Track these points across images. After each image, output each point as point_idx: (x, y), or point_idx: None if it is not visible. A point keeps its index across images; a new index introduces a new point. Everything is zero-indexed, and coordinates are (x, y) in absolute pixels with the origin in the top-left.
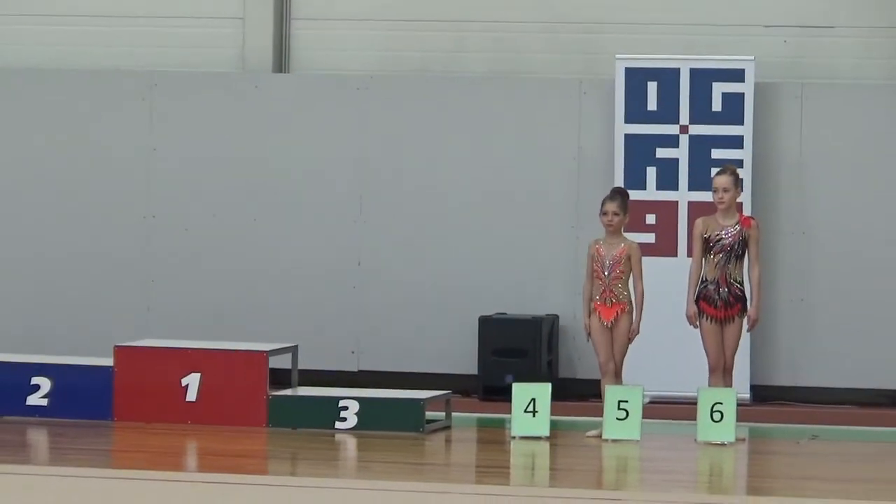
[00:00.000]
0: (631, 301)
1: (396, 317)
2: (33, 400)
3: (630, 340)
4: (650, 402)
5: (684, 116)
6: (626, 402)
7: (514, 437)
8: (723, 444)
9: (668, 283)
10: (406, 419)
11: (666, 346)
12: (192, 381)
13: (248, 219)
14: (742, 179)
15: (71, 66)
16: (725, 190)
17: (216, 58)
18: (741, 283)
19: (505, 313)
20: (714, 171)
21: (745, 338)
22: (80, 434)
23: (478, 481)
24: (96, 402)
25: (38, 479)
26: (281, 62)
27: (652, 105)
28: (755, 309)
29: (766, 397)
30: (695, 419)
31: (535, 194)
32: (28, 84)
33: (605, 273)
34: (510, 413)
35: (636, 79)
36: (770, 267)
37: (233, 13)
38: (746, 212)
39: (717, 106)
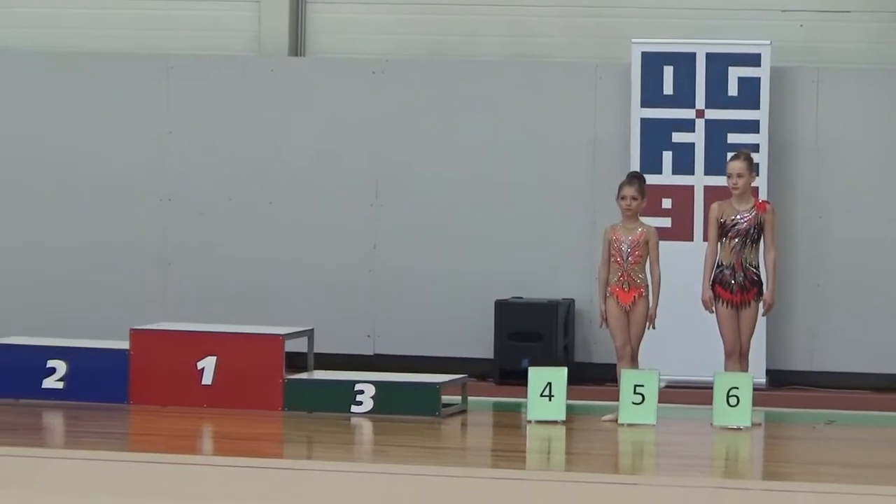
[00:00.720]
0: (648, 285)
1: (412, 300)
2: (49, 383)
3: (650, 325)
4: (666, 387)
5: (700, 101)
6: (642, 386)
7: (529, 422)
8: (739, 429)
9: (684, 267)
10: (422, 403)
11: (682, 330)
12: (208, 364)
13: (264, 202)
14: (757, 164)
15: (86, 49)
16: (739, 175)
17: (231, 41)
18: (757, 268)
19: (521, 297)
20: (730, 155)
21: (761, 322)
22: (96, 417)
23: (493, 465)
24: (112, 386)
25: (54, 463)
26: (296, 45)
27: (668, 89)
28: (771, 293)
29: (783, 382)
30: (711, 404)
31: (551, 178)
32: (43, 67)
33: (624, 258)
34: (526, 397)
35: (652, 63)
36: (786, 251)
37: None
38: (762, 196)
39: (733, 90)
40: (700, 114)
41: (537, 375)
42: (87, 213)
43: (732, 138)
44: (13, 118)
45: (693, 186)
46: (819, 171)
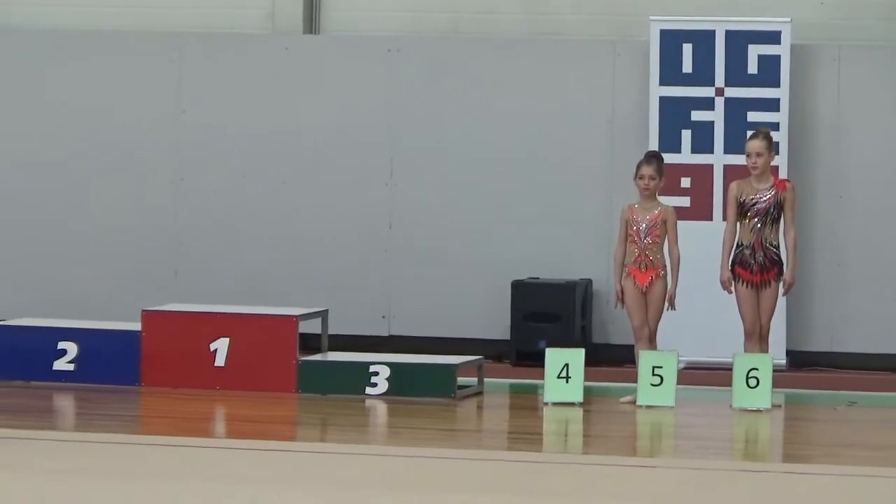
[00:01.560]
0: (665, 266)
1: (428, 281)
2: (60, 365)
3: (669, 306)
4: (685, 368)
5: (720, 79)
6: (661, 367)
7: (546, 404)
8: (758, 411)
9: (703, 247)
10: (437, 385)
11: (701, 311)
12: (221, 346)
13: (278, 181)
14: (777, 143)
15: (98, 27)
16: (759, 154)
17: (245, 19)
18: (777, 248)
19: (538, 278)
20: (749, 134)
21: (782, 303)
22: (107, 399)
23: (510, 448)
24: (123, 368)
25: (64, 446)
26: (311, 23)
27: (687, 67)
28: (791, 273)
29: (803, 363)
30: (730, 385)
31: (569, 158)
32: (55, 45)
33: (642, 237)
34: (543, 379)
35: (671, 41)
36: (806, 231)
37: None
38: (782, 175)
39: (752, 68)
40: (719, 92)
41: (554, 357)
42: (99, 194)
43: (752, 117)
44: (23, 97)
45: (712, 165)
46: (840, 149)
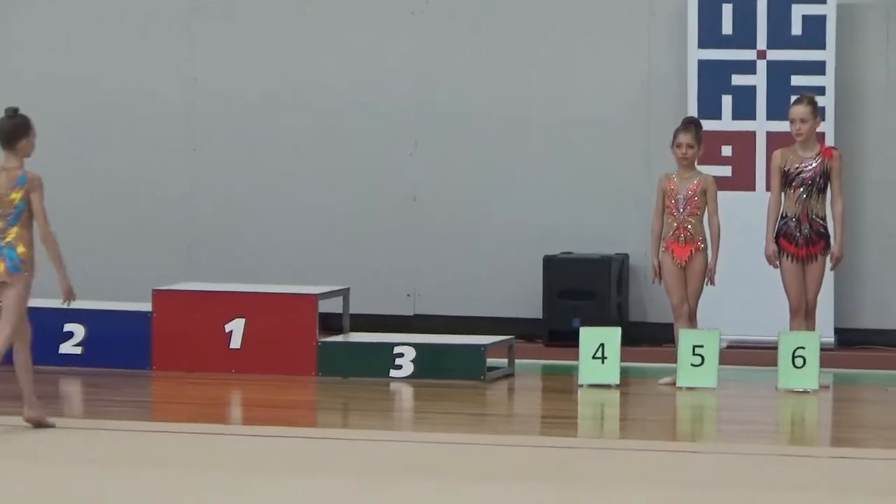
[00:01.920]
0: (705, 238)
1: (455, 257)
2: (66, 348)
3: (708, 281)
4: (727, 347)
5: (762, 41)
6: (702, 347)
7: (581, 386)
8: (805, 392)
9: (745, 219)
10: (466, 366)
11: (744, 286)
12: (237, 326)
13: (296, 152)
14: (822, 108)
15: None
16: (803, 121)
17: None
18: (823, 219)
19: (571, 252)
20: (793, 99)
21: (829, 277)
22: (117, 384)
23: (543, 433)
24: (134, 350)
25: (72, 434)
26: None
27: (727, 29)
28: (839, 246)
29: (852, 341)
30: (775, 365)
31: (603, 125)
32: (60, 12)
33: (680, 209)
34: (577, 359)
35: (710, 0)
36: (855, 201)
37: None
38: (829, 142)
39: (796, 29)
40: (761, 55)
41: (589, 336)
42: (106, 167)
43: (796, 80)
44: (31, 68)
45: (754, 132)
46: (889, 115)
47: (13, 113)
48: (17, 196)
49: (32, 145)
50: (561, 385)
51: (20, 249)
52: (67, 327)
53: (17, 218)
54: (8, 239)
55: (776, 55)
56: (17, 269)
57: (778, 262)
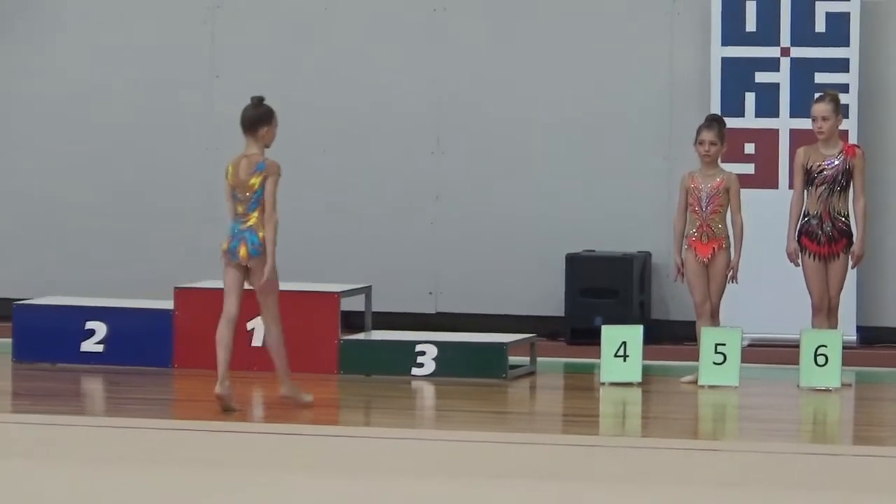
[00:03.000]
0: (728, 236)
1: (477, 255)
2: (88, 346)
3: (731, 279)
4: (749, 346)
5: (785, 38)
6: (724, 345)
7: (603, 384)
8: (827, 391)
9: (768, 217)
10: (488, 365)
11: (766, 284)
12: (258, 325)
13: (317, 150)
14: (846, 105)
15: None
16: (825, 118)
17: None
18: (846, 217)
19: (593, 250)
20: (816, 97)
21: (851, 275)
22: (138, 382)
23: (564, 431)
24: (155, 348)
25: (93, 431)
26: None
27: (751, 26)
28: (861, 244)
29: (874, 339)
30: (797, 363)
31: (625, 123)
32: (84, 8)
33: (703, 207)
34: (599, 358)
35: None
36: (877, 199)
37: None
38: (852, 140)
39: (820, 27)
40: (785, 52)
41: (611, 334)
42: (128, 164)
43: (820, 78)
44: (49, 63)
45: (778, 130)
46: None
47: (258, 102)
48: (256, 181)
49: (273, 135)
50: (583, 383)
51: (261, 234)
52: (89, 325)
53: (257, 203)
54: (249, 223)
55: (800, 52)
56: (257, 252)
57: (799, 261)
